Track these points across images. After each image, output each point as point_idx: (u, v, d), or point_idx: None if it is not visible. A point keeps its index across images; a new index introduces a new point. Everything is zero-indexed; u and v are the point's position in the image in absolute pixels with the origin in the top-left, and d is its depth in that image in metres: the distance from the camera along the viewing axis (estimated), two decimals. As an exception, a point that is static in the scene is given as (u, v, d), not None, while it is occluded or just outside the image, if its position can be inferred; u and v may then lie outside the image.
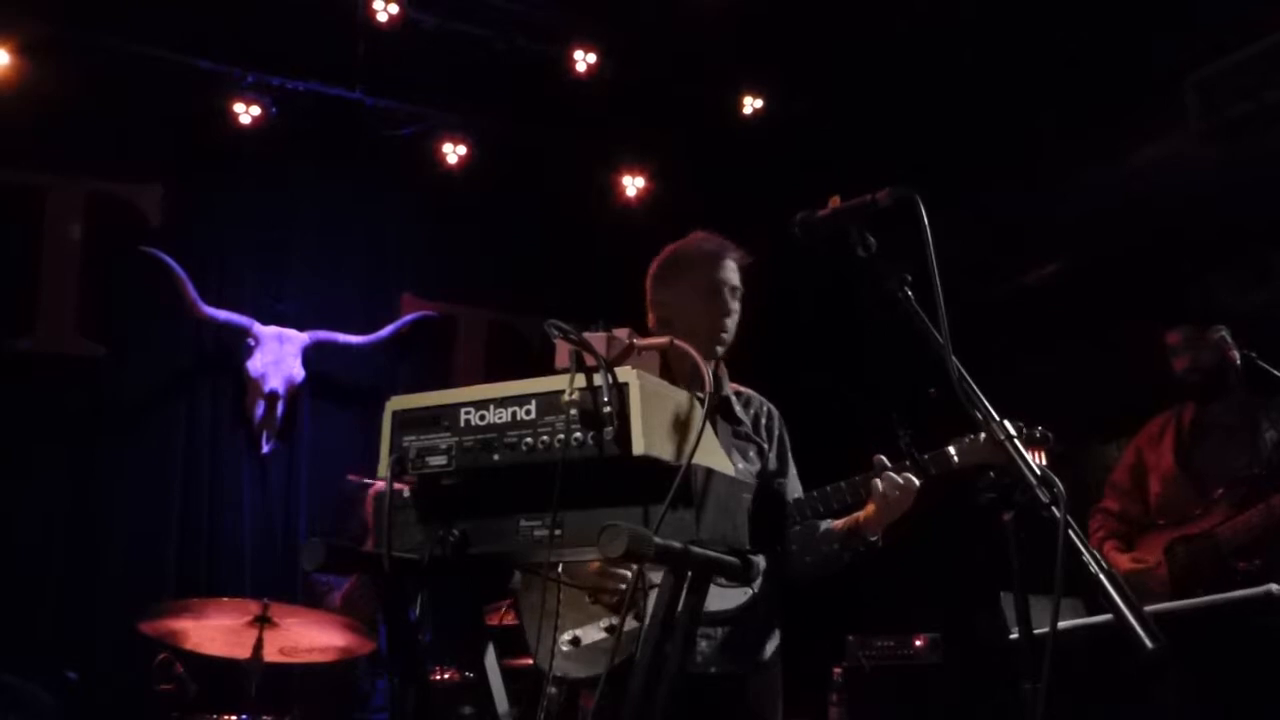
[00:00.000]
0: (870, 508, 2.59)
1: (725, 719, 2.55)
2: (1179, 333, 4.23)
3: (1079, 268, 6.03)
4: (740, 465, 2.69)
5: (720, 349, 2.75)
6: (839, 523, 2.68)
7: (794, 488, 2.84)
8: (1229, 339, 4.17)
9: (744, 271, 2.82)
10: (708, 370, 1.71)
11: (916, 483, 2.56)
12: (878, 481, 2.56)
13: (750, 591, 2.54)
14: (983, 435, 2.28)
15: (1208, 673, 3.49)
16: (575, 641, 2.41)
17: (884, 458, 2.59)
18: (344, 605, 4.65)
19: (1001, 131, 5.84)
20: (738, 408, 2.82)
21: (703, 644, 2.51)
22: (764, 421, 2.86)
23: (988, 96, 5.85)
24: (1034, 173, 5.96)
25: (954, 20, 5.78)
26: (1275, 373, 4.02)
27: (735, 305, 2.76)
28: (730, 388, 2.85)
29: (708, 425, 1.67)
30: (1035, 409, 2.63)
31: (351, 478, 4.85)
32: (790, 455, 2.89)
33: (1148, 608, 1.61)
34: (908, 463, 2.57)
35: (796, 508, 2.69)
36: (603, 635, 2.41)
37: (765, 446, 2.82)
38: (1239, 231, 5.33)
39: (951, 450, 2.63)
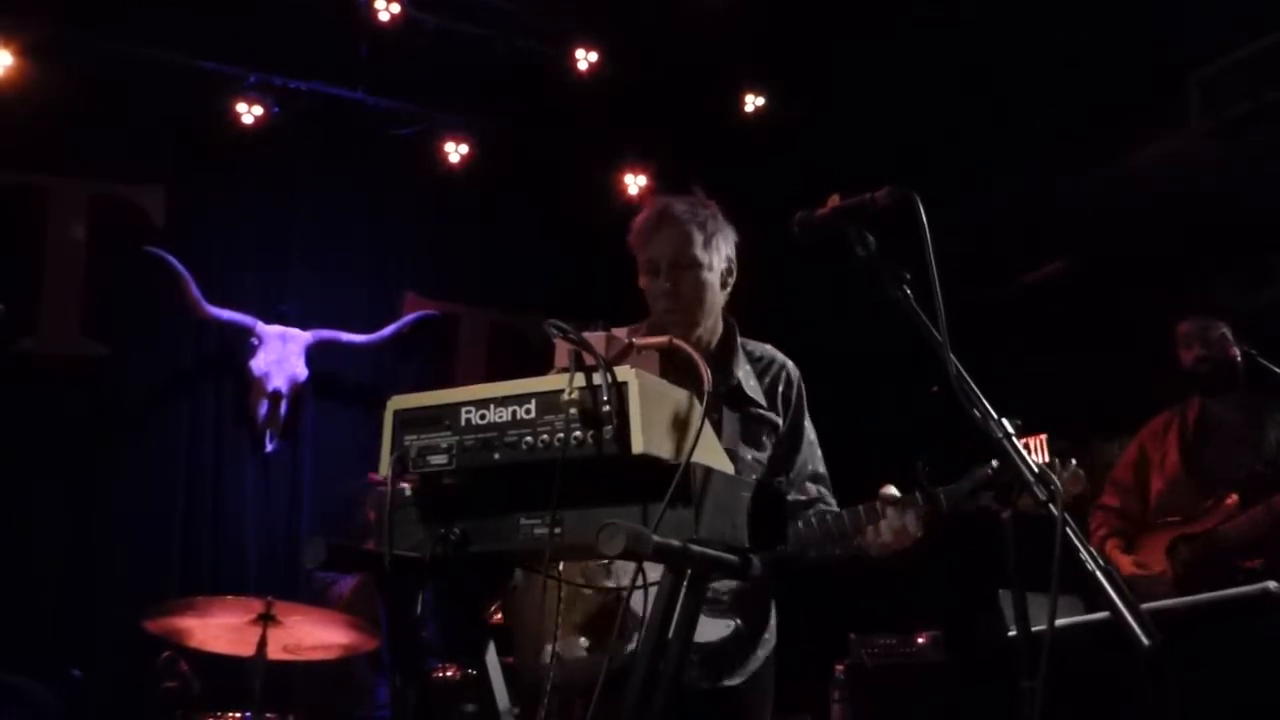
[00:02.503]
0: (869, 539, 2.51)
1: None
2: (1190, 323, 4.23)
3: (1080, 267, 6.04)
4: (750, 457, 2.60)
5: (678, 325, 2.52)
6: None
7: (811, 456, 2.73)
8: (1230, 336, 4.17)
9: (701, 227, 2.59)
10: (706, 370, 1.71)
11: (911, 531, 2.46)
12: (876, 525, 2.48)
13: (735, 623, 2.51)
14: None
15: (1206, 670, 3.49)
16: (558, 657, 2.40)
17: (893, 490, 2.49)
18: (347, 606, 4.67)
19: (1003, 130, 5.84)
20: (750, 383, 2.65)
21: (695, 658, 2.44)
22: (780, 389, 2.69)
23: (989, 95, 5.85)
24: (1035, 172, 5.96)
25: (956, 19, 5.78)
26: (1277, 370, 4.02)
27: (663, 284, 2.55)
28: (744, 353, 2.68)
29: (707, 423, 1.68)
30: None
31: (372, 476, 4.88)
32: (807, 422, 2.73)
33: (1145, 605, 1.62)
34: (918, 494, 2.47)
35: (793, 534, 2.54)
36: (583, 654, 2.39)
37: (780, 422, 2.67)
38: (1241, 230, 5.33)
39: (967, 484, 2.48)
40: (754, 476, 2.54)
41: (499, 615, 2.84)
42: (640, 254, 2.62)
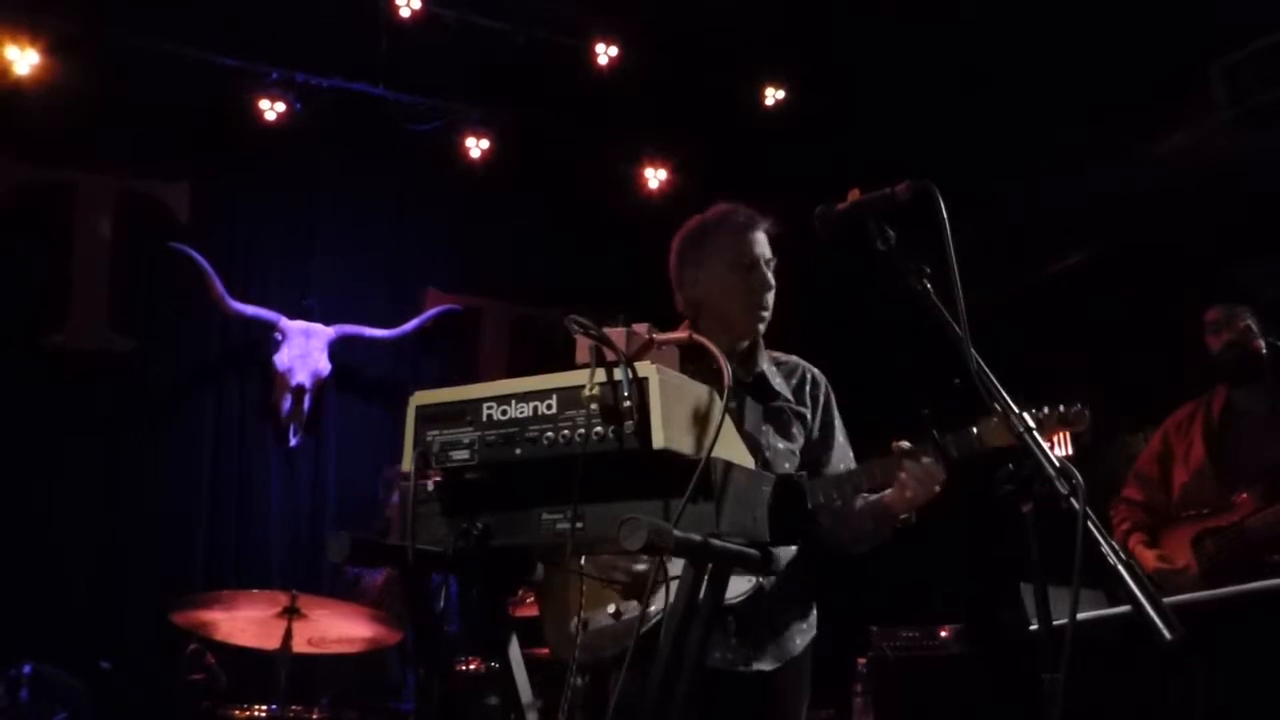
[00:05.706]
0: (893, 493, 2.54)
1: (748, 716, 2.53)
2: (1219, 310, 4.20)
3: (1105, 257, 6.00)
4: (781, 445, 2.64)
5: (762, 325, 2.67)
6: (870, 501, 2.63)
7: (841, 456, 2.76)
8: (1255, 327, 4.14)
9: (774, 242, 2.72)
10: (726, 365, 1.72)
11: (939, 471, 2.49)
12: (899, 471, 2.51)
13: (755, 580, 2.48)
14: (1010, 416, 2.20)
15: (1230, 664, 3.47)
16: (584, 625, 2.42)
17: (905, 443, 2.51)
18: (379, 598, 4.70)
19: (1026, 119, 5.80)
20: (777, 380, 2.73)
21: (733, 640, 2.49)
22: (808, 389, 2.76)
23: (1011, 84, 5.81)
24: (1059, 161, 5.92)
25: (979, 8, 5.75)
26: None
27: (771, 278, 2.66)
28: (769, 356, 2.75)
29: (728, 418, 1.68)
30: (1061, 399, 2.62)
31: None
32: (837, 421, 2.79)
33: (1168, 599, 1.61)
34: (930, 446, 2.50)
35: (822, 489, 2.61)
36: (610, 621, 2.42)
37: (809, 416, 2.74)
38: (1267, 218, 5.28)
39: (975, 431, 2.53)
40: (785, 465, 2.63)
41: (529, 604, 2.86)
42: (738, 246, 2.67)
